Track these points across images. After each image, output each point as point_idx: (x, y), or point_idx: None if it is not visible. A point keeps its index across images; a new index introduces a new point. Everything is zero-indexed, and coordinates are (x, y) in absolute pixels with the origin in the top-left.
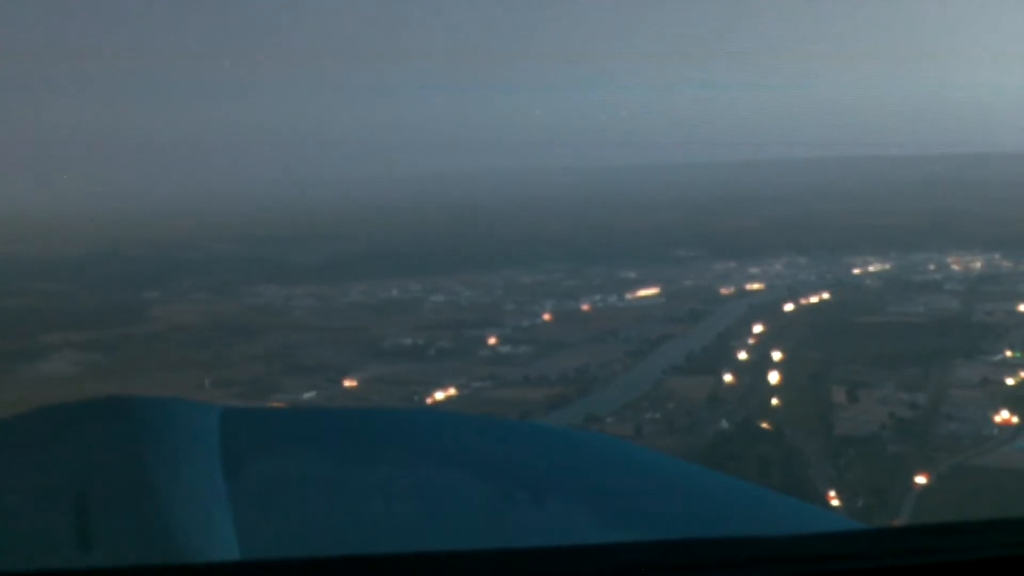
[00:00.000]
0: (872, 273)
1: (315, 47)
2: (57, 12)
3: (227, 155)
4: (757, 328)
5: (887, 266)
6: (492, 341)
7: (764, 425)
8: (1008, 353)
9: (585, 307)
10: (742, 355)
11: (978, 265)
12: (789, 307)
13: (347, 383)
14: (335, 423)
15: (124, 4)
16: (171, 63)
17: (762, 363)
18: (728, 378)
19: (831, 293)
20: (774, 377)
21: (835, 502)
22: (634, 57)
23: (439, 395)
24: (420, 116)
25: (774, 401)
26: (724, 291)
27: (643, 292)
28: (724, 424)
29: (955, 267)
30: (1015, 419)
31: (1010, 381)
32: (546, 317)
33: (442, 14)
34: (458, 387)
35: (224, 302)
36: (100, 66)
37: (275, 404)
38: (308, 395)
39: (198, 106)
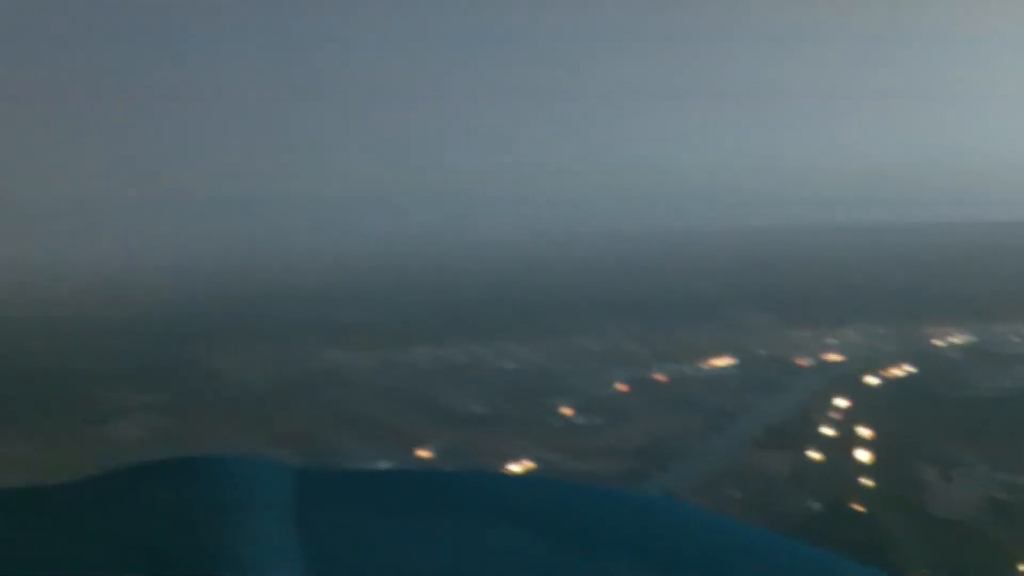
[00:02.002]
0: (955, 344)
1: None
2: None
3: (290, 214)
4: (839, 401)
5: (970, 337)
6: (565, 411)
7: (855, 506)
8: None
9: (659, 376)
10: (825, 430)
11: None
12: (871, 380)
13: (421, 452)
14: (409, 484)
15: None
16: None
17: (847, 439)
18: (812, 454)
19: (914, 365)
20: (861, 454)
21: None
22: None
23: (514, 467)
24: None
25: (863, 480)
26: (801, 361)
27: (717, 361)
28: (812, 504)
29: None
30: None
31: None
32: (619, 386)
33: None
34: (533, 459)
35: (292, 363)
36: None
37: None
38: (382, 465)
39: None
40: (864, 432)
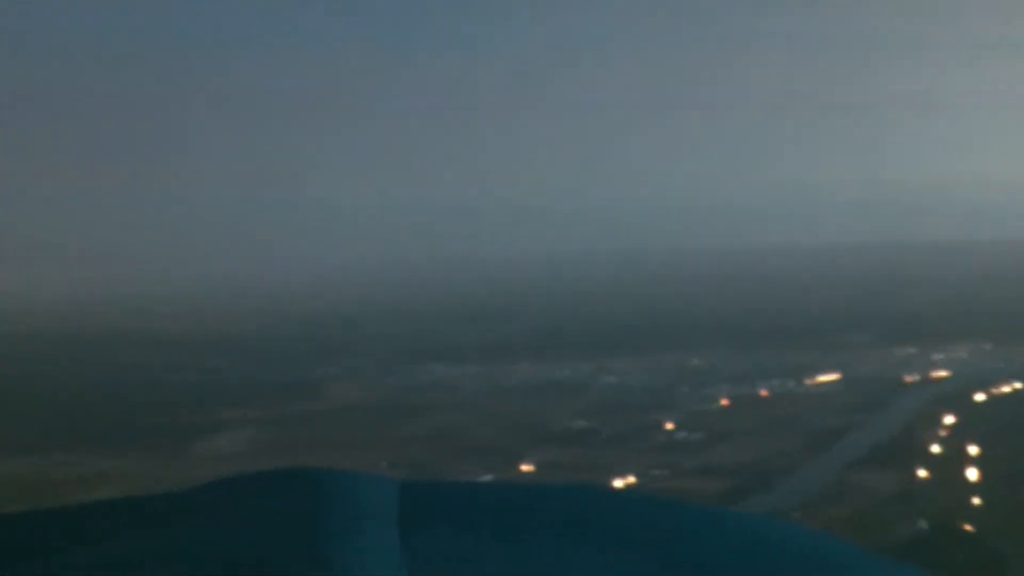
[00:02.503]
0: None
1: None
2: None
3: (387, 232)
4: (948, 419)
5: None
6: (668, 426)
7: (966, 527)
8: None
9: (762, 392)
10: (934, 448)
11: None
12: (980, 397)
13: (523, 467)
14: (512, 498)
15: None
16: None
17: (957, 457)
18: (920, 473)
19: (1023, 382)
20: (970, 473)
21: None
22: None
23: (617, 483)
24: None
25: (974, 500)
26: (907, 378)
27: (822, 378)
28: (921, 524)
29: None
30: None
31: None
32: (723, 402)
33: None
34: (635, 474)
35: (394, 380)
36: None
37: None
38: (484, 479)
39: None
40: (972, 450)
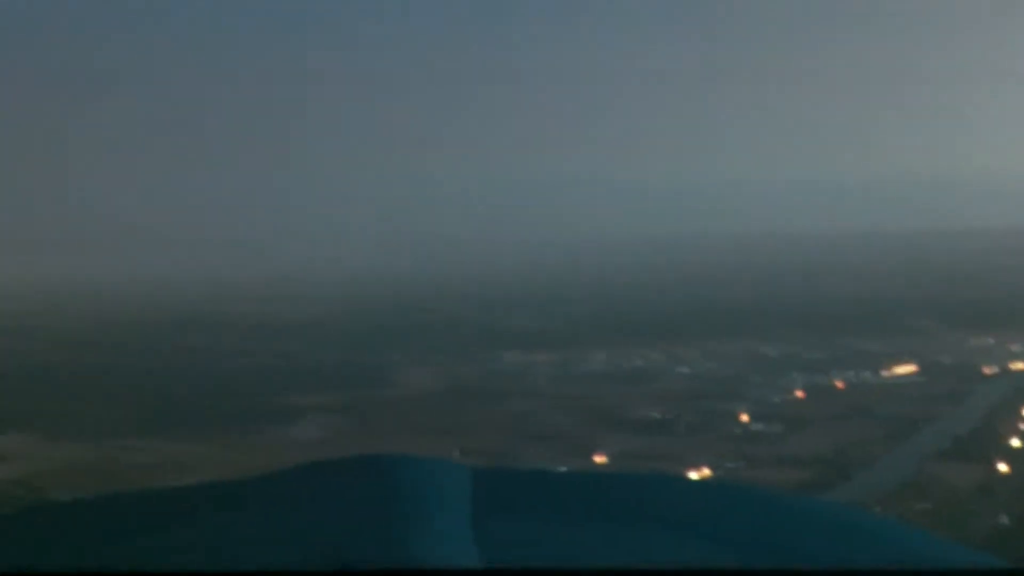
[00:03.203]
0: None
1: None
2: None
3: (459, 218)
4: None
5: None
6: (743, 417)
7: None
8: None
9: (838, 383)
10: (1015, 441)
11: None
12: None
13: (597, 458)
14: (585, 486)
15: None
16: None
17: None
18: (1001, 467)
19: None
20: None
21: None
22: None
23: (691, 474)
24: (643, 180)
25: None
26: (987, 369)
27: (899, 369)
28: (1003, 519)
29: None
30: None
31: None
32: (798, 393)
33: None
34: (710, 466)
35: (465, 367)
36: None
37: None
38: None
39: (431, 171)
40: None
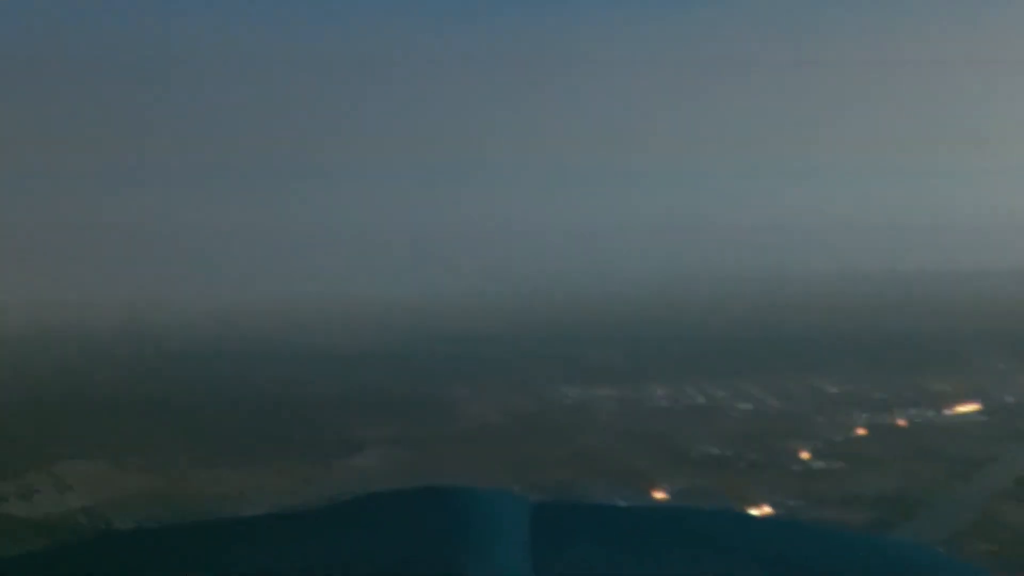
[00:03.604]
0: None
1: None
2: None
3: (523, 250)
4: None
5: None
6: (804, 455)
7: None
8: None
9: (900, 422)
10: None
11: None
12: None
13: (657, 494)
14: (644, 521)
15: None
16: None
17: None
18: None
19: None
20: None
21: None
22: None
23: (753, 512)
24: (709, 217)
25: None
26: None
27: (961, 408)
28: None
29: None
30: None
31: None
32: (859, 431)
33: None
34: (771, 503)
35: (527, 400)
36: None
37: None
38: (617, 503)
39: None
40: None
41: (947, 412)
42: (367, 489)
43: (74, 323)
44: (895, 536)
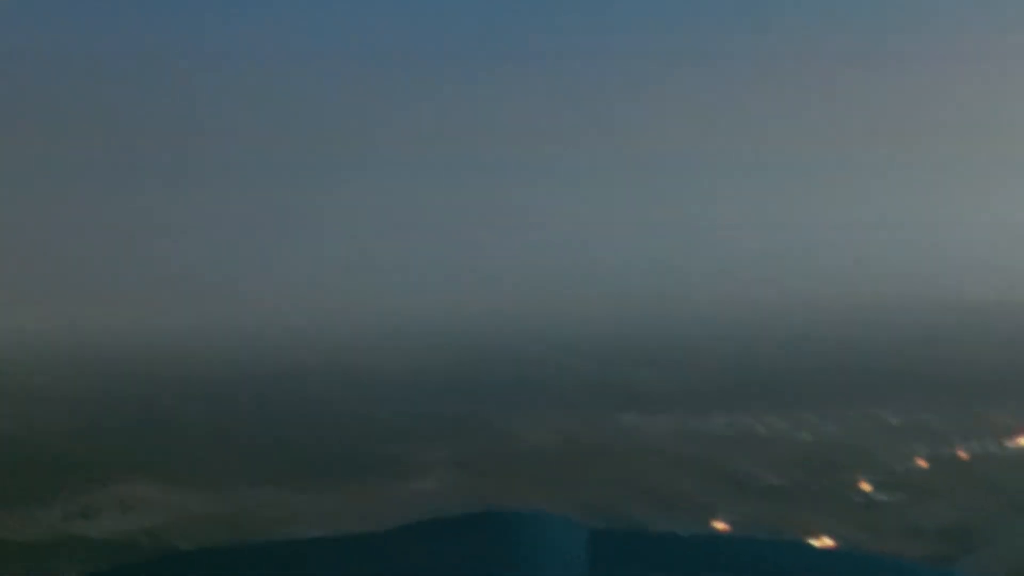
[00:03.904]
0: None
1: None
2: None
3: (582, 274)
4: None
5: None
6: (865, 486)
7: None
8: None
9: (961, 454)
10: None
11: None
12: None
13: (716, 523)
14: (702, 549)
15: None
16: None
17: None
18: None
19: None
20: None
21: None
22: None
23: (812, 542)
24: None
25: None
26: None
27: (1023, 440)
28: None
29: None
30: None
31: None
32: (920, 463)
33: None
34: (832, 535)
35: (585, 426)
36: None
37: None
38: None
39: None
40: None
41: (1009, 444)
42: (425, 512)
43: (122, 346)
44: (956, 569)
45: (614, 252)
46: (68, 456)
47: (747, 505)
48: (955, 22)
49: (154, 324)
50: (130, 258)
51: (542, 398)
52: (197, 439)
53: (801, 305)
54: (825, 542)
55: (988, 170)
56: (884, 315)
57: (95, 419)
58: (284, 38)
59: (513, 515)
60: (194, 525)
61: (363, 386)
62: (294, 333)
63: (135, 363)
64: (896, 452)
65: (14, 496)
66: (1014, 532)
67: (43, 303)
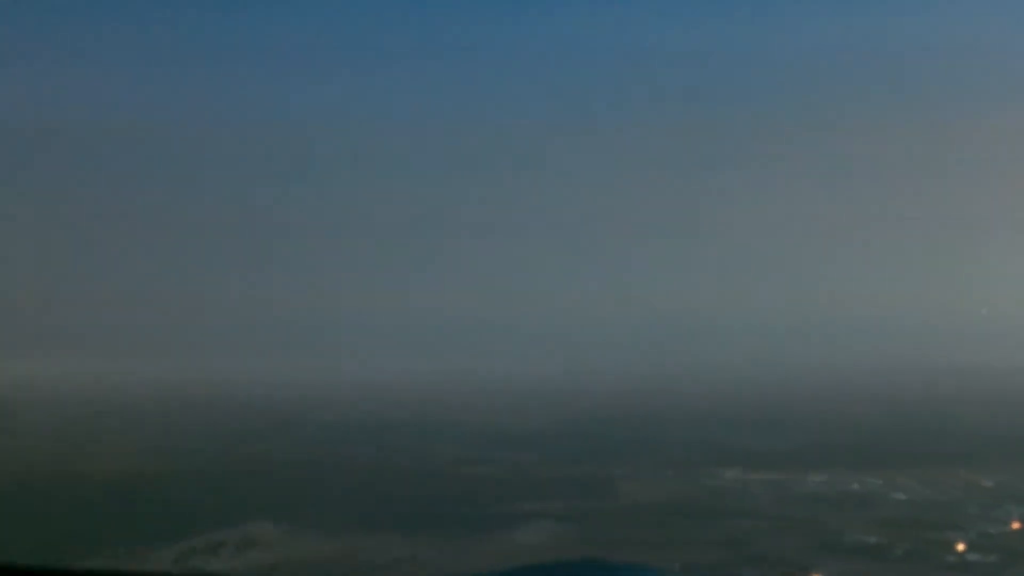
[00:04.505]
0: None
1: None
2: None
3: (682, 334)
4: None
5: None
6: (959, 547)
7: None
8: None
9: None
10: None
11: None
12: None
13: None
14: None
15: None
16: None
17: None
18: None
19: None
20: None
21: None
22: None
23: None
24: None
25: None
26: None
27: None
28: None
29: None
30: None
31: None
32: (1015, 525)
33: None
34: None
35: (686, 483)
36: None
37: None
38: None
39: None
40: None
41: None
42: (528, 561)
43: (250, 396)
44: None
45: (713, 313)
46: (192, 497)
47: (841, 563)
48: None
49: (279, 374)
50: (258, 307)
51: (646, 455)
52: (322, 483)
53: (898, 368)
54: None
55: None
56: (980, 380)
57: (217, 463)
58: None
59: (616, 566)
60: (312, 566)
61: (474, 442)
62: (415, 386)
63: (263, 411)
64: (990, 515)
65: (150, 533)
66: None
67: (174, 352)
